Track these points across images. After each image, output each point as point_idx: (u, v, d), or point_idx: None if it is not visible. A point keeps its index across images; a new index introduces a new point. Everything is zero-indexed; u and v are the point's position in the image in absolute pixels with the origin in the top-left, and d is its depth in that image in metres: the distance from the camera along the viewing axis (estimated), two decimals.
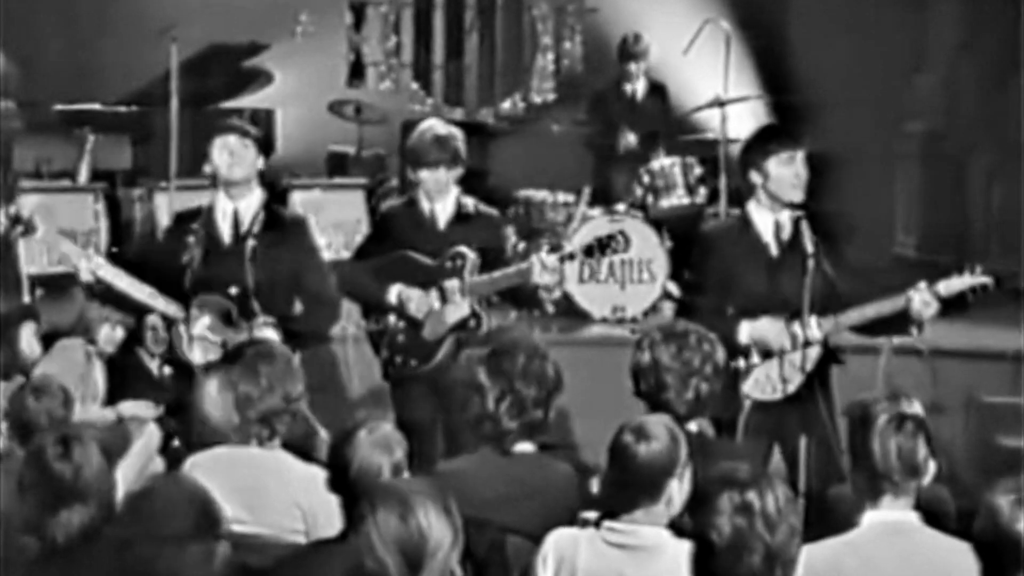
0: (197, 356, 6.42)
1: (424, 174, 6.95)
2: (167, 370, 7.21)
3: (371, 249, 7.13)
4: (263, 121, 11.58)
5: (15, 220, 6.61)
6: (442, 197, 6.98)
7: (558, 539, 4.52)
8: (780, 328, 6.18)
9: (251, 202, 6.64)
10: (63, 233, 10.31)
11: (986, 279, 6.18)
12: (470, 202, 7.05)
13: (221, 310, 6.44)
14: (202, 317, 6.43)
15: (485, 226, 7.02)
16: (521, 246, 9.82)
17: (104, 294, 6.50)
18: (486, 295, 6.86)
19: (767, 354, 6.21)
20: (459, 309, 6.85)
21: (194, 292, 6.49)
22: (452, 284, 6.84)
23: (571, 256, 6.79)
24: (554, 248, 6.91)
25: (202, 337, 6.41)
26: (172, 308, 6.47)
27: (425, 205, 6.99)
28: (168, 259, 6.55)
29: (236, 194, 6.61)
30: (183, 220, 6.71)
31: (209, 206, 6.66)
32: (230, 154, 6.59)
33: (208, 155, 6.65)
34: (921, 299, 6.13)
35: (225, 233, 6.58)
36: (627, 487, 4.43)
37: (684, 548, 4.09)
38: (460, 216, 6.99)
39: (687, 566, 3.87)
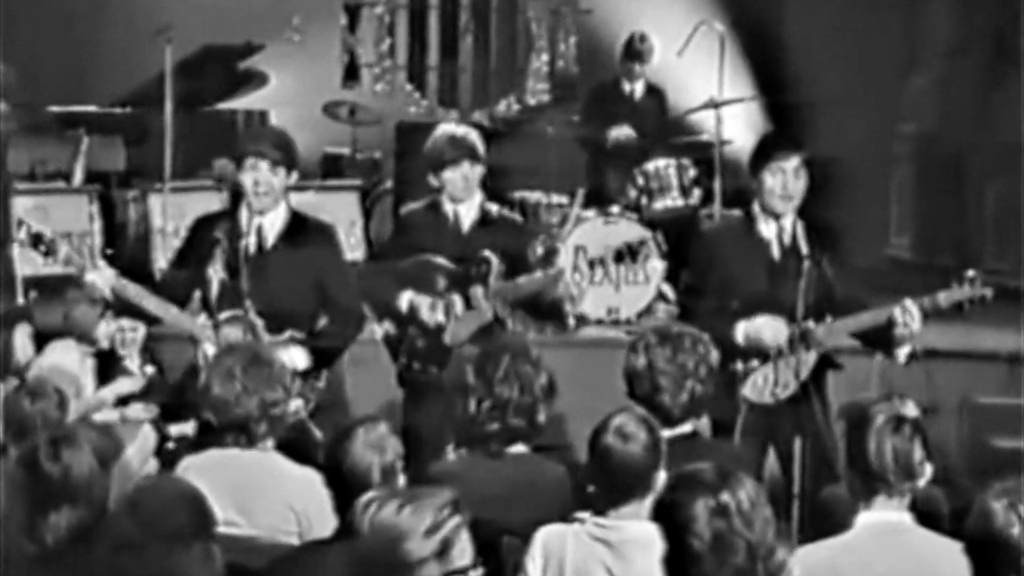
0: None
1: (447, 174, 6.87)
2: (149, 369, 7.19)
3: (391, 252, 7.09)
4: (257, 123, 11.60)
5: (36, 239, 6.48)
6: (466, 199, 6.90)
7: (546, 536, 4.56)
8: (776, 324, 6.17)
9: (276, 217, 6.48)
10: (59, 236, 10.38)
11: (985, 291, 6.18)
12: (494, 208, 7.01)
13: (248, 327, 6.35)
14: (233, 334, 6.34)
15: (509, 232, 6.97)
16: (541, 251, 9.81)
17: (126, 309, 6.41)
18: (511, 301, 6.81)
19: (765, 357, 6.21)
20: (482, 315, 6.78)
21: (219, 306, 6.34)
22: (476, 290, 6.79)
23: (601, 261, 6.71)
24: (551, 251, 6.83)
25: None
26: (197, 327, 6.33)
27: (448, 208, 6.91)
28: (190, 265, 6.43)
29: (257, 209, 6.44)
30: (203, 226, 6.55)
31: (233, 214, 6.51)
32: (255, 182, 6.39)
33: (236, 169, 6.49)
34: (903, 317, 6.10)
35: (250, 246, 6.41)
36: (618, 488, 4.52)
37: None
38: (484, 221, 6.92)
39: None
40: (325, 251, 6.59)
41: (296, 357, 6.31)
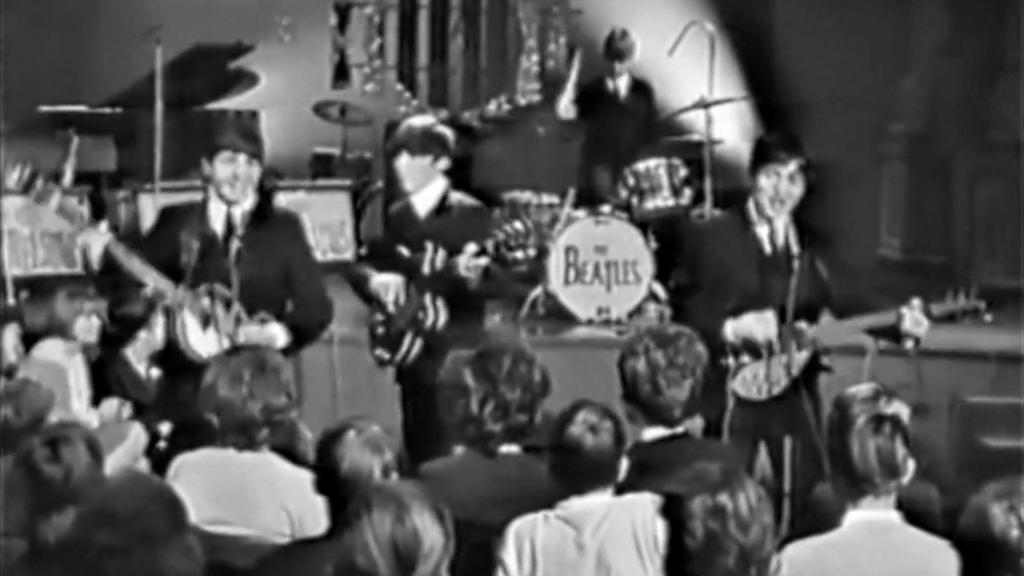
0: (198, 347, 6.38)
1: (396, 161, 7.00)
2: (155, 371, 7.19)
3: (381, 249, 7.21)
4: (247, 122, 11.59)
5: (32, 178, 6.51)
6: (423, 188, 6.97)
7: (517, 527, 4.63)
8: (766, 320, 6.17)
9: (245, 205, 6.56)
10: (48, 235, 10.37)
11: (978, 303, 6.19)
12: (455, 196, 7.05)
13: (223, 301, 6.40)
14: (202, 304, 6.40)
15: (467, 218, 6.97)
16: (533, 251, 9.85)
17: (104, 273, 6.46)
18: (432, 290, 6.80)
19: (756, 353, 6.20)
20: (412, 305, 6.86)
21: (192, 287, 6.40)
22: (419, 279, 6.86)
23: (484, 252, 6.68)
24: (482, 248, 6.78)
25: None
26: (178, 295, 6.37)
27: (411, 198, 7.02)
28: (159, 254, 6.46)
29: (231, 199, 6.52)
30: (171, 216, 6.63)
31: (202, 204, 6.56)
32: (235, 176, 6.47)
33: (206, 161, 6.49)
34: (913, 318, 6.12)
35: (219, 233, 6.49)
36: (587, 479, 4.61)
37: (629, 500, 4.48)
38: (441, 209, 6.98)
39: (640, 512, 4.21)
40: (291, 238, 6.67)
41: (276, 334, 6.40)
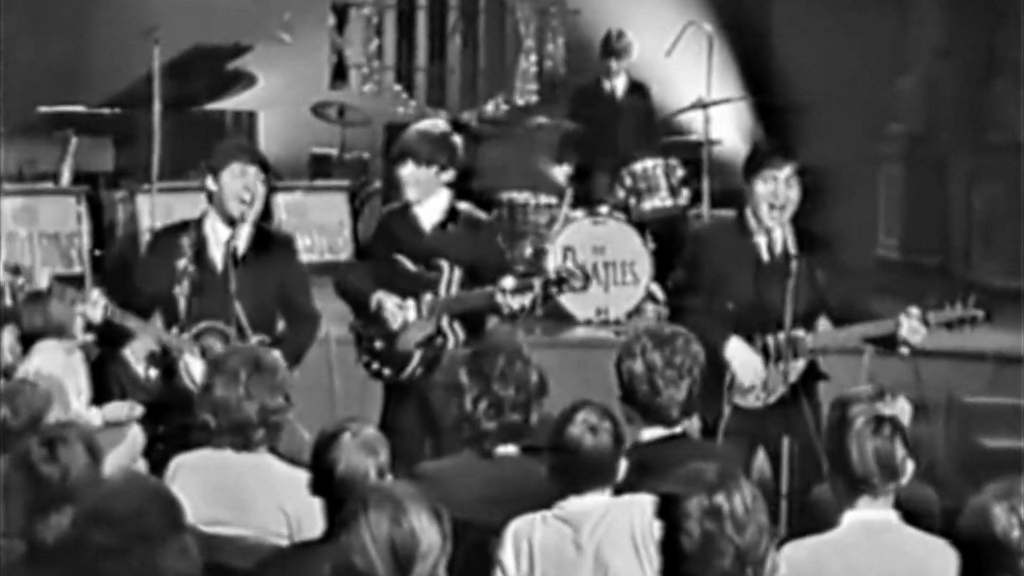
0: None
1: (397, 172, 6.84)
2: (153, 372, 7.19)
3: (371, 251, 7.10)
4: (245, 123, 11.61)
5: (15, 271, 6.53)
6: (427, 199, 6.79)
7: (515, 527, 4.65)
8: (757, 366, 6.18)
9: (245, 230, 6.48)
10: (45, 236, 10.37)
11: (977, 312, 6.19)
12: (463, 207, 6.88)
13: (223, 337, 6.37)
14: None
15: (474, 232, 6.82)
16: (530, 251, 9.85)
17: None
18: (449, 314, 6.70)
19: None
20: (426, 325, 6.72)
21: (188, 319, 6.37)
22: (427, 298, 6.73)
23: (529, 287, 6.53)
24: (520, 276, 6.66)
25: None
26: (176, 341, 6.36)
27: (414, 208, 6.82)
28: (154, 278, 6.45)
29: (238, 217, 6.42)
30: (164, 241, 6.58)
31: (199, 225, 6.50)
32: (245, 188, 6.39)
33: (211, 178, 6.45)
34: (910, 326, 6.14)
35: (218, 261, 6.43)
36: (586, 478, 4.63)
37: (627, 501, 4.49)
38: (448, 221, 6.80)
39: (638, 512, 4.22)
40: (288, 262, 6.66)
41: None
